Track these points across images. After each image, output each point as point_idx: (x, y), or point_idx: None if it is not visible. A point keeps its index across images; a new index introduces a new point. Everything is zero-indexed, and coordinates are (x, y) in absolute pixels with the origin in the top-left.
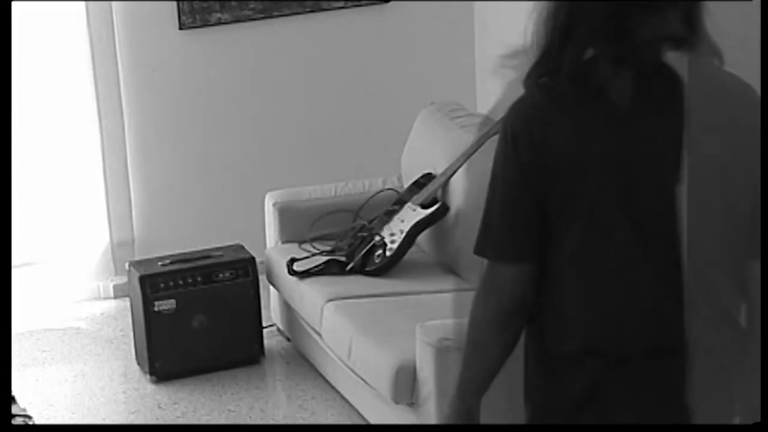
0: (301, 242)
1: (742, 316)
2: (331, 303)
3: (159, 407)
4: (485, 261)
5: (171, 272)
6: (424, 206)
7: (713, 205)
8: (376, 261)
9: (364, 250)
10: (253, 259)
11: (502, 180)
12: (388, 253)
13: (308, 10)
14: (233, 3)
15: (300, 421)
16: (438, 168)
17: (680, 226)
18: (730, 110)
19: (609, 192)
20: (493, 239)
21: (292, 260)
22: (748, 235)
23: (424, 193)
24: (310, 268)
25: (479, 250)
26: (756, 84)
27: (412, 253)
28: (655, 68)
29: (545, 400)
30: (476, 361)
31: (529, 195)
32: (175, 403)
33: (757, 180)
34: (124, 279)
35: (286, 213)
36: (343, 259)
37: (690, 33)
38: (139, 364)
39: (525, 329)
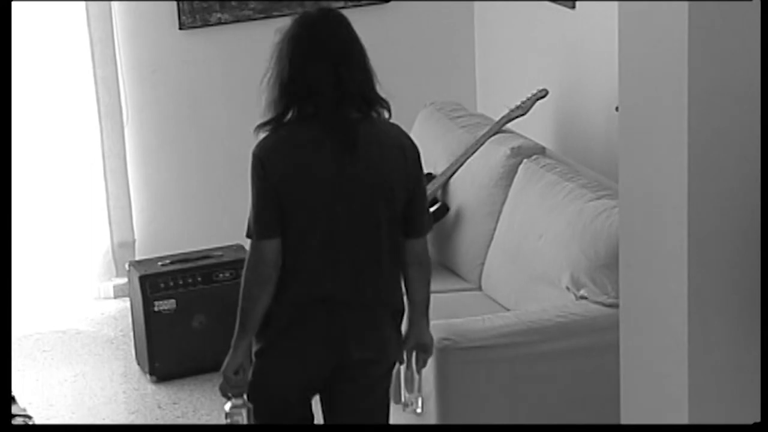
0: None
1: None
2: None
3: (159, 407)
4: (252, 241)
5: (171, 272)
6: None
7: (382, 206)
8: None
9: None
10: None
11: (255, 189)
12: None
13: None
14: (233, 3)
15: None
16: (438, 168)
17: (367, 227)
18: (391, 146)
19: (316, 201)
20: (256, 225)
21: None
22: (404, 221)
23: None
24: None
25: (249, 234)
26: None
27: None
28: (350, 122)
29: (276, 321)
30: (252, 308)
31: (271, 197)
32: (175, 403)
33: (406, 186)
34: (124, 279)
35: None
36: None
37: (365, 96)
38: (139, 364)
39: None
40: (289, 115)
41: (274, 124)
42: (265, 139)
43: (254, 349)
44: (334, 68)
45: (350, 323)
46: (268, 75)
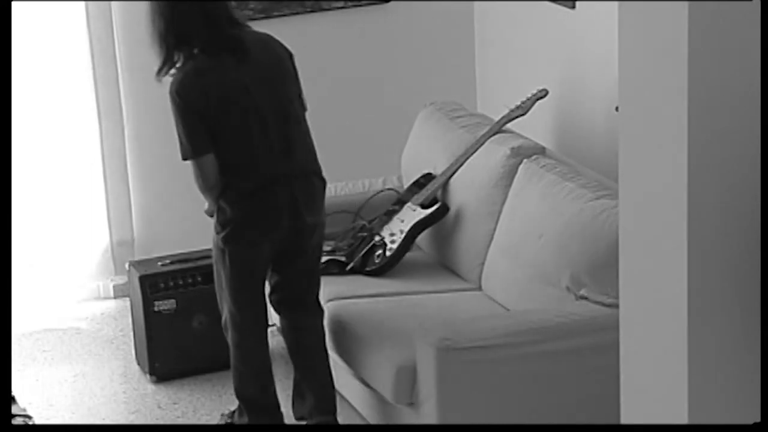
0: None
1: None
2: (331, 303)
3: (159, 407)
4: (192, 162)
5: (171, 272)
6: (424, 206)
7: (286, 95)
8: (376, 261)
9: (364, 250)
10: None
11: (179, 117)
12: (388, 253)
13: (308, 10)
14: (233, 3)
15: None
16: (438, 168)
17: (282, 115)
18: (272, 48)
19: (235, 106)
20: (190, 145)
21: None
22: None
23: (424, 193)
24: None
25: (184, 156)
26: None
27: (412, 253)
28: (233, 36)
29: (234, 213)
30: (209, 197)
31: (194, 119)
32: (175, 403)
33: (293, 77)
34: (124, 279)
35: None
36: (343, 259)
37: (230, 17)
38: (139, 364)
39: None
40: (180, 57)
41: (169, 65)
42: (174, 77)
43: (222, 236)
44: (198, 3)
45: (299, 194)
46: (150, 29)
